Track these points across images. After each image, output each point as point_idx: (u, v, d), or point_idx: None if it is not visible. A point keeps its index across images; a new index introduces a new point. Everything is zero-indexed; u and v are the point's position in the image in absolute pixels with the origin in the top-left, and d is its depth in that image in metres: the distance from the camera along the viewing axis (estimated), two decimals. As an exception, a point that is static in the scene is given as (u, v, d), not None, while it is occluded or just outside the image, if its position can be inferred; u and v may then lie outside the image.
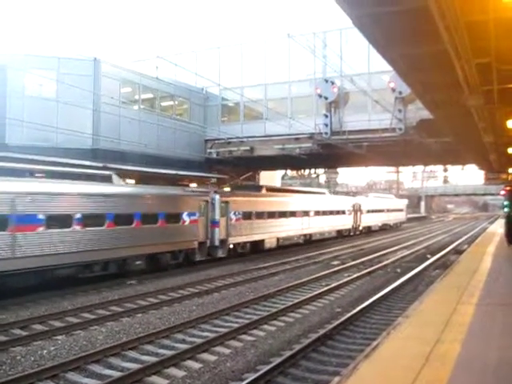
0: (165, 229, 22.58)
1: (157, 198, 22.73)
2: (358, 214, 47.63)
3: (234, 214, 27.63)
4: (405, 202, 72.68)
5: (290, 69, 31.29)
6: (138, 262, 21.29)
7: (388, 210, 59.31)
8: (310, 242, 38.61)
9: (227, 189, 33.16)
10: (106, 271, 20.12)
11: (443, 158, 36.62)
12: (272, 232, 31.65)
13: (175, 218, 23.47)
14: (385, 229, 57.85)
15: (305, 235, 38.23)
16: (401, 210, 67.22)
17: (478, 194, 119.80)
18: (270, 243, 31.58)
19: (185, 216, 23.85)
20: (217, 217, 26.21)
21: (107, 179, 21.11)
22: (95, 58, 26.25)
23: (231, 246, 27.81)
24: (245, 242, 29.33)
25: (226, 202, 27.12)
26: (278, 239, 32.81)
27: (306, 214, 36.22)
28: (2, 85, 24.36)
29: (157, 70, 24.35)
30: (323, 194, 44.01)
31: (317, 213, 38.02)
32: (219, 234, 26.34)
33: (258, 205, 30.39)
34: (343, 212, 44.10)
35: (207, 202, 25.64)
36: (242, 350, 11.53)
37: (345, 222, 44.70)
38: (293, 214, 34.50)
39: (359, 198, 51.49)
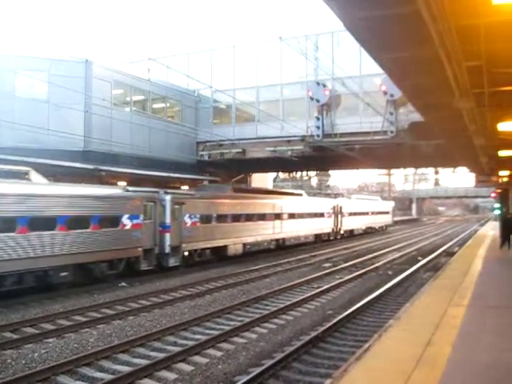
0: (99, 234, 19.87)
1: (89, 199, 19.69)
2: (339, 216, 45.12)
3: (190, 217, 24.94)
4: (391, 204, 69.95)
5: (281, 71, 31.31)
6: (63, 274, 18.39)
7: (373, 213, 56.88)
8: (282, 248, 35.09)
9: (185, 187, 31.51)
10: (21, 285, 17.24)
11: (434, 161, 36.77)
12: (237, 237, 28.89)
13: (113, 221, 20.77)
14: (370, 232, 55.68)
15: (277, 240, 35.07)
16: (387, 213, 64.50)
17: (468, 196, 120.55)
18: (235, 249, 28.68)
19: (125, 219, 21.12)
20: (167, 220, 23.48)
21: (22, 176, 18.31)
22: (87, 59, 26.15)
23: (186, 254, 24.91)
24: (203, 249, 26.31)
25: (180, 204, 24.36)
26: (244, 245, 29.93)
27: (278, 217, 33.56)
28: (-8, 86, 24.24)
29: (148, 72, 24.33)
30: (299, 195, 40.93)
31: (291, 216, 35.24)
32: (170, 239, 23.38)
33: (220, 207, 27.98)
34: (322, 215, 41.43)
35: (155, 203, 22.87)
36: (233, 352, 11.53)
37: (324, 226, 42.01)
38: (262, 216, 31.93)
39: (340, 199, 48.49)
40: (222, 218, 27.85)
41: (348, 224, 47.75)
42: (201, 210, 26.01)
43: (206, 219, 26.39)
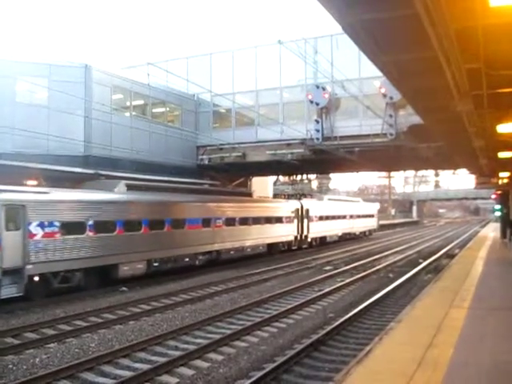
0: None
1: None
2: (305, 221, 38.19)
3: (41, 225, 17.69)
4: (375, 206, 62.82)
5: (281, 75, 31.32)
6: None
7: (351, 217, 49.63)
8: (218, 263, 27.09)
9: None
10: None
11: (434, 163, 36.70)
12: (136, 251, 21.51)
13: None
14: (349, 239, 48.77)
15: (207, 253, 26.55)
16: (370, 216, 57.43)
17: (469, 198, 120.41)
18: (133, 269, 21.33)
19: None
20: None
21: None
22: (86, 64, 26.19)
23: (36, 279, 17.43)
24: (69, 270, 18.69)
25: (21, 207, 17.12)
26: (149, 262, 22.20)
27: (207, 223, 26.30)
28: (-8, 91, 24.25)
29: (148, 76, 24.33)
30: (247, 195, 34.21)
31: (230, 222, 28.42)
32: (4, 260, 16.34)
33: (101, 211, 20.20)
34: (279, 220, 34.42)
35: None
36: (234, 356, 11.52)
37: (281, 233, 34.51)
38: (179, 223, 24.44)
39: (307, 201, 40.56)
40: (104, 225, 20.19)
41: (317, 230, 40.63)
42: (62, 216, 18.65)
43: (73, 228, 18.99)
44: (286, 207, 36.30)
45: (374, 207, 60.86)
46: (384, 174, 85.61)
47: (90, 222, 19.56)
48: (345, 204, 50.73)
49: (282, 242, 35.40)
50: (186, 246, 24.63)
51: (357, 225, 51.56)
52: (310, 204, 40.27)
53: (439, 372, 6.74)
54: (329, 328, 13.33)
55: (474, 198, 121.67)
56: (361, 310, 15.65)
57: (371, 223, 57.77)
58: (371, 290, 20.22)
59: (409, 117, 24.95)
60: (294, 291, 20.03)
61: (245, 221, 30.05)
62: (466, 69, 8.91)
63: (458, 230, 76.38)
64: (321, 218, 41.46)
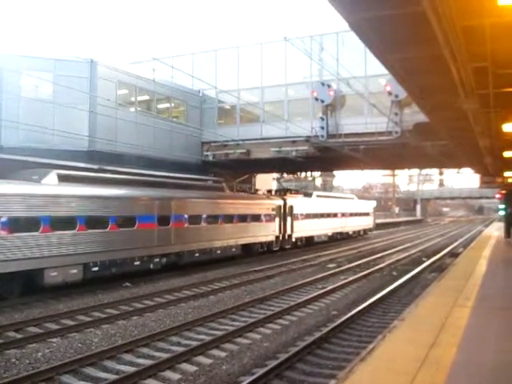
0: None
1: None
2: (289, 219, 34.88)
3: None
4: (371, 204, 58.82)
5: (286, 72, 31.28)
6: None
7: (344, 215, 46.20)
8: (178, 268, 23.90)
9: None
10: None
11: (439, 162, 36.65)
12: (67, 254, 18.15)
13: None
14: (341, 239, 45.66)
15: (164, 256, 22.98)
16: (366, 215, 53.91)
17: (473, 197, 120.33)
18: (63, 275, 18.01)
19: None
20: None
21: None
22: (92, 59, 26.19)
23: None
24: None
25: None
26: (85, 268, 18.90)
27: (165, 221, 22.89)
28: (-2, 86, 24.29)
29: (153, 72, 24.34)
30: (220, 189, 29.89)
31: (194, 220, 25.02)
32: None
33: (11, 205, 16.72)
34: (256, 218, 30.83)
35: None
36: (237, 353, 11.52)
37: (259, 233, 31.24)
38: (128, 222, 21.07)
39: (292, 198, 36.87)
40: (24, 223, 17.05)
41: (303, 229, 37.17)
42: None
43: None
44: (266, 204, 32.73)
45: (369, 205, 57.33)
46: (388, 172, 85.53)
47: (3, 219, 16.25)
48: (336, 201, 46.70)
49: (261, 243, 31.77)
50: (135, 248, 21.17)
51: (350, 224, 47.97)
52: (295, 201, 36.80)
53: (442, 371, 6.71)
54: (332, 325, 13.32)
55: (479, 197, 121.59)
56: (364, 308, 15.64)
57: (366, 222, 54.21)
58: (374, 288, 20.21)
59: (414, 115, 24.89)
60: (297, 288, 20.02)
61: (213, 219, 26.72)
62: (472, 67, 8.89)
63: (461, 228, 76.25)
64: (307, 216, 38.01)
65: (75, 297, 17.98)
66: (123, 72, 28.36)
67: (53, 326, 14.04)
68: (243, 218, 29.49)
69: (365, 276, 23.21)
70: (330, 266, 27.31)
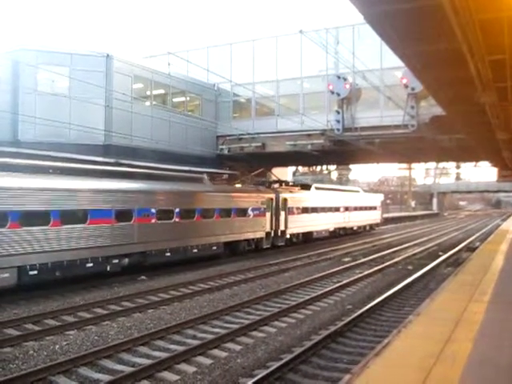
0: None
1: None
2: (282, 214, 31.90)
3: None
4: (379, 197, 55.07)
5: (301, 65, 31.18)
6: None
7: (347, 209, 42.94)
8: (139, 270, 20.93)
9: None
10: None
11: (456, 155, 36.42)
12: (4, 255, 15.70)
13: None
14: (344, 235, 42.62)
15: (126, 256, 20.12)
16: (372, 209, 50.18)
17: (490, 191, 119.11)
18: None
19: None
20: None
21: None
22: (108, 54, 26.31)
23: None
24: None
25: None
26: (20, 270, 16.12)
27: (75, 219, 18.15)
28: (15, 80, 24.49)
29: (169, 66, 24.37)
30: (197, 181, 26.44)
31: (164, 215, 22.23)
32: None
33: None
34: (241, 212, 27.76)
35: None
36: (252, 346, 11.56)
37: (246, 229, 28.16)
38: (39, 217, 16.84)
39: (286, 190, 34.00)
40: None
41: (299, 224, 34.06)
42: None
43: None
44: (254, 197, 29.39)
45: (376, 198, 53.47)
46: (405, 165, 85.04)
47: None
48: (339, 194, 42.98)
49: (247, 240, 28.62)
50: (86, 248, 18.27)
51: (354, 218, 44.49)
52: (290, 194, 33.75)
53: (457, 367, 6.68)
54: (347, 320, 13.31)
55: (496, 191, 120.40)
56: (379, 303, 15.60)
57: (373, 217, 50.57)
58: (390, 282, 20.15)
59: (431, 108, 24.73)
60: (312, 282, 20.02)
61: (188, 213, 23.75)
62: (489, 60, 8.80)
63: (478, 222, 75.67)
64: (305, 211, 34.93)
65: (92, 290, 18.13)
66: (139, 66, 28.47)
67: (70, 319, 14.17)
68: (226, 213, 26.48)
69: (380, 270, 23.13)
70: (345, 259, 27.25)
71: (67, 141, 24.17)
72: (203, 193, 25.57)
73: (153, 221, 21.49)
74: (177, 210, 22.87)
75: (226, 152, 33.55)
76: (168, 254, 22.24)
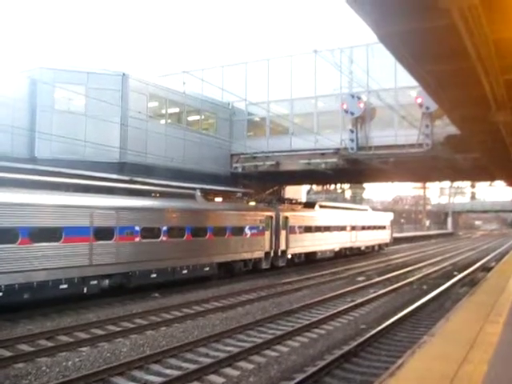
0: None
1: None
2: (283, 233, 30.45)
3: None
4: (389, 216, 52.85)
5: (316, 84, 31.28)
6: None
7: (354, 228, 41.08)
8: (122, 292, 19.87)
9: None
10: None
11: (471, 174, 36.22)
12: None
13: None
14: (351, 255, 40.49)
15: (98, 278, 18.49)
16: (382, 228, 48.33)
17: (506, 210, 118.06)
18: None
19: None
20: None
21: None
22: (123, 73, 26.60)
23: None
24: None
25: None
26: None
27: (47, 236, 16.89)
28: (32, 98, 24.82)
29: (184, 84, 24.55)
30: (189, 197, 25.10)
31: (149, 234, 20.97)
32: None
33: None
34: (238, 231, 26.34)
35: None
36: (265, 365, 11.48)
37: (242, 248, 26.62)
38: (4, 234, 15.63)
39: (287, 209, 33.03)
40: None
41: (301, 244, 32.47)
42: None
43: None
44: (251, 215, 28.00)
45: (386, 217, 51.37)
46: (419, 184, 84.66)
47: None
48: (345, 213, 41.18)
49: (244, 260, 27.07)
50: (58, 268, 16.92)
51: (361, 238, 42.53)
52: (291, 212, 32.50)
53: (473, 388, 6.60)
54: (361, 339, 13.20)
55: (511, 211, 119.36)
56: (393, 322, 15.46)
57: (382, 236, 48.56)
58: (404, 301, 19.97)
59: (445, 127, 24.62)
60: (325, 301, 19.90)
61: (177, 232, 22.52)
62: (504, 79, 8.81)
63: (494, 242, 74.92)
64: (308, 230, 33.39)
65: (105, 306, 18.17)
66: (154, 85, 28.72)
67: (83, 335, 14.20)
68: (219, 231, 25.07)
69: (394, 290, 22.95)
70: (359, 279, 27.08)
71: (83, 158, 24.40)
72: (194, 210, 24.17)
73: (137, 239, 20.19)
74: (164, 228, 21.62)
75: (240, 170, 33.61)
76: (154, 276, 20.80)
